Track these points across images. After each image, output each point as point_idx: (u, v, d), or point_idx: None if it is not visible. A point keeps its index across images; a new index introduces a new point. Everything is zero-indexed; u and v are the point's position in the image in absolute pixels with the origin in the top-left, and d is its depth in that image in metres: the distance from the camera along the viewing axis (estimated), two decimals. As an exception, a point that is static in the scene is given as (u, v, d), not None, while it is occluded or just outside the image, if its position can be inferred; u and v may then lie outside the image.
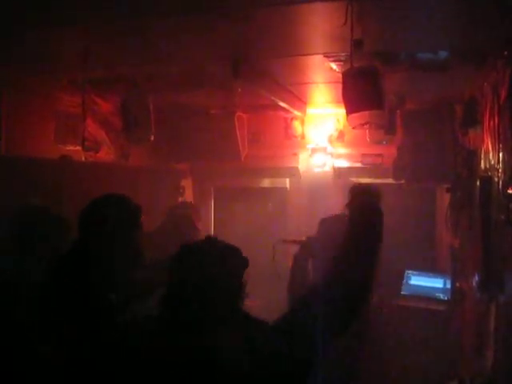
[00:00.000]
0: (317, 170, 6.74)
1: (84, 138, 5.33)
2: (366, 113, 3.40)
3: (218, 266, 2.12)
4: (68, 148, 5.22)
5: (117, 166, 5.78)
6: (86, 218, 2.61)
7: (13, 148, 4.49)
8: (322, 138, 6.69)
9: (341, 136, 6.64)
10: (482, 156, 4.52)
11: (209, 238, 2.24)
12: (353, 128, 3.70)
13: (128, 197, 2.71)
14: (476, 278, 4.46)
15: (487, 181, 4.18)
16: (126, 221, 2.63)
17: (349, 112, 3.42)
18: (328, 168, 6.72)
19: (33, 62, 4.37)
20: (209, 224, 7.27)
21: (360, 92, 3.34)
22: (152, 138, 5.18)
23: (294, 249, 4.57)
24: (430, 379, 4.97)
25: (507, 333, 3.72)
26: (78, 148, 5.33)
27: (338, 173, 6.76)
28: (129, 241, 2.63)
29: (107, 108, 5.68)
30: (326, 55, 4.16)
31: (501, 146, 3.81)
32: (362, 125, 3.55)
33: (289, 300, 4.21)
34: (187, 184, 7.10)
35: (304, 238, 4.55)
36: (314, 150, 6.67)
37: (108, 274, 2.54)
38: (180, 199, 6.73)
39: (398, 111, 5.67)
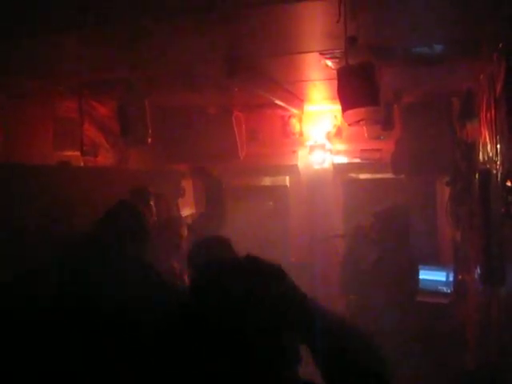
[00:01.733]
0: (316, 166, 6.75)
1: (82, 143, 5.34)
2: (362, 109, 3.40)
3: None
4: (67, 153, 5.21)
5: (116, 170, 5.78)
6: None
7: (11, 155, 4.48)
8: (320, 134, 6.70)
9: (339, 132, 6.64)
10: (480, 148, 4.52)
11: None
12: (349, 125, 3.70)
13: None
14: (478, 270, 4.47)
15: (486, 173, 4.18)
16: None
17: (344, 109, 3.41)
18: (327, 165, 6.73)
19: (29, 68, 4.37)
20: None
21: (355, 89, 3.33)
22: (150, 140, 5.18)
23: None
24: (435, 371, 4.97)
25: (510, 324, 3.72)
26: (77, 153, 5.34)
27: (338, 169, 6.77)
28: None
29: (104, 112, 5.67)
30: (322, 53, 4.16)
31: (498, 138, 3.81)
32: (358, 121, 3.54)
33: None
34: (187, 185, 7.10)
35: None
36: (312, 147, 6.68)
37: None
38: (180, 200, 6.73)
39: (395, 106, 5.67)
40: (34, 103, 4.88)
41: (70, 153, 5.26)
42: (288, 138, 6.92)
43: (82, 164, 5.35)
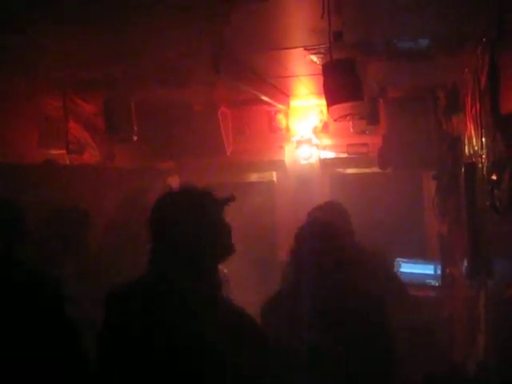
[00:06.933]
0: (303, 162, 6.75)
1: (68, 141, 5.31)
2: (347, 104, 3.40)
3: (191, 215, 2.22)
4: (52, 152, 5.18)
5: (102, 168, 5.74)
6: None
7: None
8: (306, 129, 6.70)
9: (325, 127, 6.65)
10: (466, 142, 4.53)
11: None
12: (334, 120, 3.70)
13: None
14: (464, 263, 4.48)
15: (471, 167, 4.19)
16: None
17: (329, 104, 3.42)
18: (314, 160, 6.73)
19: (14, 66, 4.33)
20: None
21: (339, 84, 3.34)
22: (135, 137, 5.16)
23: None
24: (421, 365, 4.98)
25: (496, 318, 3.74)
26: (63, 151, 5.30)
27: (324, 164, 6.78)
28: None
29: (90, 109, 5.64)
30: (307, 48, 4.16)
31: (483, 131, 3.82)
32: (344, 116, 3.54)
33: None
34: (174, 182, 7.07)
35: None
36: (299, 143, 6.68)
37: None
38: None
39: (381, 100, 5.67)
40: (18, 101, 4.84)
41: (55, 151, 5.23)
42: (274, 133, 6.92)
43: (67, 162, 5.32)
